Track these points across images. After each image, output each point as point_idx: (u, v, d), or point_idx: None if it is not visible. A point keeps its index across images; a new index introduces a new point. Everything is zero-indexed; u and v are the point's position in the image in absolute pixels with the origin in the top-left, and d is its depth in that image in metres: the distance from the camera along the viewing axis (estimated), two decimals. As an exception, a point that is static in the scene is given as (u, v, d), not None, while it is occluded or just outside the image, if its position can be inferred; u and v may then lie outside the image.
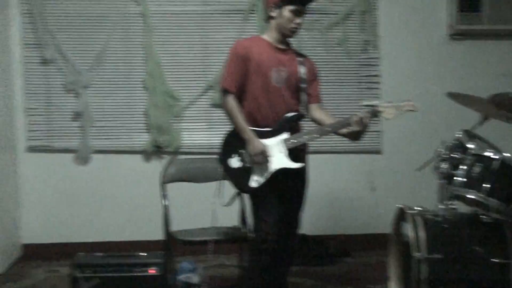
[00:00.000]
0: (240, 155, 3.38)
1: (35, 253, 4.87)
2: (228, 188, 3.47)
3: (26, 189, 4.90)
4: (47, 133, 4.88)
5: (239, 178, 3.37)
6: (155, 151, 4.90)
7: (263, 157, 3.32)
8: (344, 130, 3.40)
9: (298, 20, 3.42)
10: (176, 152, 4.89)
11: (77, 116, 4.85)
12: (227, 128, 3.53)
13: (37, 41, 4.82)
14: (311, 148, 3.64)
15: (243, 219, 3.94)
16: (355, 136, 3.39)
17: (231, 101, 3.41)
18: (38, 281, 4.37)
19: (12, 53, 4.82)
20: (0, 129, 4.52)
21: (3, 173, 4.57)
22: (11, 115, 4.80)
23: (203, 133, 4.94)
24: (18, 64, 4.84)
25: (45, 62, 4.84)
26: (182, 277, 4.08)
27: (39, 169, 4.90)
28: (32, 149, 4.89)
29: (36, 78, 4.86)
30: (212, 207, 3.40)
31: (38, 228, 4.92)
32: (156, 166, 4.80)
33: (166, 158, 4.87)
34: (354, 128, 3.34)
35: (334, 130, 3.43)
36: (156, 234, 4.27)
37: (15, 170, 4.85)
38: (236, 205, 3.80)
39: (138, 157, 4.93)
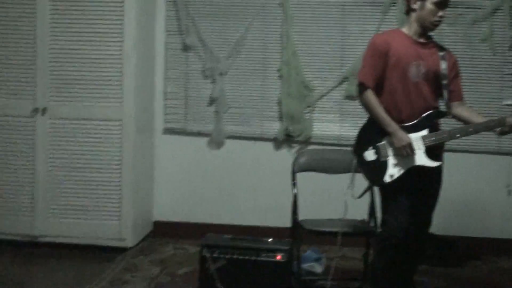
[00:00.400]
0: (375, 148, 3.34)
1: (165, 230, 5.07)
2: (360, 180, 3.44)
3: (160, 169, 5.11)
4: (184, 117, 5.05)
5: (373, 171, 3.33)
6: (286, 139, 4.94)
7: (410, 150, 3.25)
8: None
9: (441, 13, 3.32)
10: (306, 142, 4.91)
11: (212, 101, 4.99)
12: (359, 120, 3.49)
13: (179, 28, 4.99)
14: (446, 145, 3.53)
15: (372, 213, 3.88)
16: (501, 132, 3.27)
17: (370, 95, 3.35)
18: (167, 257, 4.54)
19: (156, 40, 5.02)
20: (141, 111, 4.73)
21: (142, 153, 4.79)
22: (152, 98, 5.02)
23: (334, 124, 4.91)
24: (160, 50, 5.04)
25: (185, 48, 5.01)
26: (306, 265, 4.11)
27: (173, 151, 5.08)
28: (168, 131, 5.08)
29: (176, 63, 5.03)
30: (345, 199, 3.37)
31: (169, 206, 5.11)
32: (286, 155, 4.86)
33: (296, 147, 4.92)
34: (503, 129, 3.23)
35: (479, 131, 3.31)
36: (282, 221, 4.32)
37: (152, 150, 5.07)
38: (364, 199, 3.75)
39: (269, 145, 4.98)
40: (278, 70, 4.91)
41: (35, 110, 4.55)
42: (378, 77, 3.35)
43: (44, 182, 4.58)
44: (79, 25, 4.53)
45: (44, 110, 4.55)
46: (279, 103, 4.92)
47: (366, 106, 3.39)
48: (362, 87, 3.39)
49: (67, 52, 4.55)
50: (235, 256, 3.60)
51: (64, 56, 4.55)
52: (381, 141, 3.33)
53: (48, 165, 4.58)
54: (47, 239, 4.61)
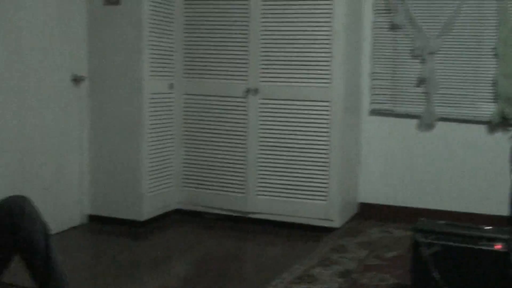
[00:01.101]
0: None
1: (369, 212, 5.05)
2: None
3: (366, 150, 5.08)
4: (391, 98, 4.97)
5: None
6: (501, 122, 4.66)
7: None
8: None
9: None
10: (523, 126, 4.62)
11: (421, 82, 4.84)
12: None
13: (387, 7, 4.91)
14: None
15: None
16: None
17: None
18: (373, 239, 4.50)
19: (363, 19, 4.98)
20: (349, 91, 4.71)
21: (349, 133, 4.79)
22: (359, 79, 4.99)
23: (557, 107, 4.56)
24: (368, 29, 4.99)
25: (393, 27, 4.91)
26: (525, 257, 3.85)
27: (380, 132, 5.03)
28: (375, 113, 5.03)
29: (383, 43, 4.97)
30: None
31: (375, 188, 5.08)
32: (501, 139, 4.61)
33: (513, 131, 4.65)
34: None
35: None
36: (499, 208, 4.10)
37: (359, 131, 5.05)
38: None
39: (482, 128, 4.75)
40: (494, 49, 4.64)
41: (247, 91, 4.73)
42: None
43: (254, 160, 4.76)
44: (289, 6, 4.61)
45: (255, 91, 4.71)
46: (495, 83, 4.65)
47: None
48: None
49: (277, 33, 4.65)
50: (450, 243, 3.46)
51: (275, 37, 4.66)
52: None
53: (258, 144, 4.75)
54: (257, 216, 4.80)
